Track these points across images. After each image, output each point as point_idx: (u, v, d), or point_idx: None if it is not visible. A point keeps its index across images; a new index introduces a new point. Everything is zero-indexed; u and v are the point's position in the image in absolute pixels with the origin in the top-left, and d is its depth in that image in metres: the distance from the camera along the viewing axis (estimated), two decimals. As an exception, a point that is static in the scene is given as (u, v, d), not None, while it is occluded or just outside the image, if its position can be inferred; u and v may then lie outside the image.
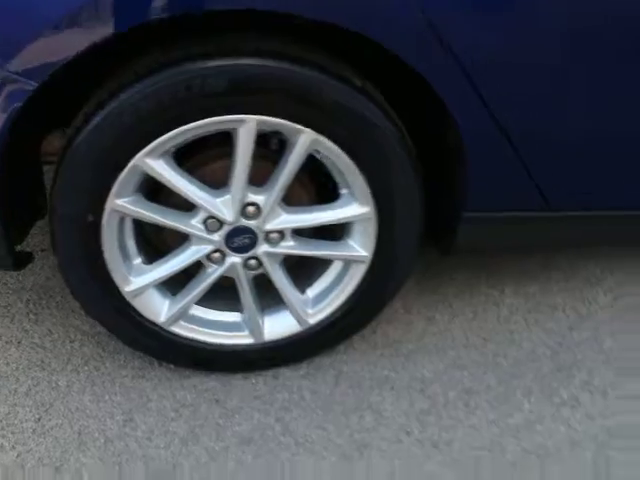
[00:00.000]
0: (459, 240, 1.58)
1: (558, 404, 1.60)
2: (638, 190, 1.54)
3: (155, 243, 1.54)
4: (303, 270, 1.58)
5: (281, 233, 1.48)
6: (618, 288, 1.90)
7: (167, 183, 1.38)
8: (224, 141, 1.40)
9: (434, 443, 1.51)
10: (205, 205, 1.42)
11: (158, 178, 1.37)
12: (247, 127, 1.34)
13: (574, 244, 1.79)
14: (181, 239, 1.48)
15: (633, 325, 1.80)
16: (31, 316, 1.75)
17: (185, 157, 1.44)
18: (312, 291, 1.57)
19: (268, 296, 1.57)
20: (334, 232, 1.54)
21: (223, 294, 1.57)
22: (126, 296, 1.47)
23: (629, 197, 1.55)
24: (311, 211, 1.49)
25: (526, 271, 1.93)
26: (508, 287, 1.89)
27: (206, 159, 1.46)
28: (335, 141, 1.38)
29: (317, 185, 1.53)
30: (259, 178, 1.43)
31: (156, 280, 1.49)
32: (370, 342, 1.71)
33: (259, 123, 1.34)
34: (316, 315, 1.57)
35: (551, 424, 1.55)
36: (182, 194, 1.40)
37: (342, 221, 1.48)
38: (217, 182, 1.43)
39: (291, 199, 1.48)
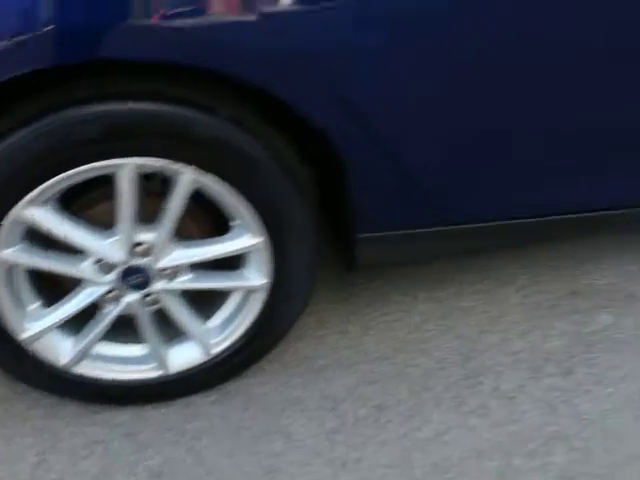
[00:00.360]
0: (358, 258, 1.59)
1: (466, 413, 1.62)
2: (522, 200, 1.56)
3: (51, 286, 1.52)
4: (205, 299, 1.58)
5: (176, 268, 1.48)
6: (530, 286, 1.92)
7: (49, 232, 1.37)
8: (109, 181, 1.38)
9: (343, 462, 1.54)
10: (93, 249, 1.41)
11: (40, 228, 1.36)
12: (127, 171, 1.32)
13: (473, 252, 1.81)
14: (75, 281, 1.48)
15: (541, 323, 1.82)
16: (-60, 358, 1.73)
17: (71, 200, 1.42)
18: (215, 320, 1.57)
19: (172, 327, 1.57)
20: (232, 262, 1.54)
21: (127, 328, 1.56)
22: (22, 343, 1.47)
23: (515, 207, 1.57)
24: (203, 245, 1.48)
25: (440, 274, 1.94)
26: (422, 292, 1.90)
27: (92, 200, 1.44)
28: (218, 177, 1.37)
29: (214, 216, 1.53)
30: (149, 215, 1.42)
31: (53, 324, 1.47)
32: (281, 361, 1.71)
33: (138, 166, 1.33)
34: (221, 344, 1.57)
35: (459, 435, 1.58)
36: (68, 241, 1.38)
37: (236, 253, 1.48)
38: (105, 223, 1.42)
39: (183, 233, 1.47)
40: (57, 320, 1.47)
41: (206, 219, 1.51)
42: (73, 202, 1.42)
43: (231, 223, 1.45)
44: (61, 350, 1.51)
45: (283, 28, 1.24)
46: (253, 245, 1.46)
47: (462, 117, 1.38)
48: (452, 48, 1.30)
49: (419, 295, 1.89)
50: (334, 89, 1.30)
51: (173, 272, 1.47)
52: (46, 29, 1.18)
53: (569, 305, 1.87)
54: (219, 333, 1.57)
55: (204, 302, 1.58)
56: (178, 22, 1.21)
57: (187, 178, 1.35)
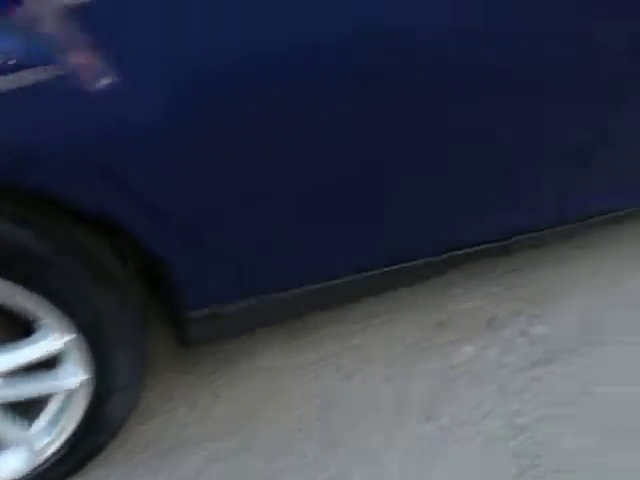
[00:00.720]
0: (191, 335, 1.47)
1: (326, 480, 1.54)
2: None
3: None
4: (27, 403, 1.43)
5: (-19, 379, 1.32)
6: (395, 320, 1.83)
7: None
8: None
9: None
10: None
11: None
12: None
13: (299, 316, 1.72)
14: None
15: (406, 362, 1.74)
16: None
17: None
18: (39, 423, 1.41)
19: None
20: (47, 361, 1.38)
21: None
22: None
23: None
24: (4, 352, 1.31)
25: (287, 331, 1.80)
26: (274, 345, 1.77)
27: None
28: (8, 281, 1.21)
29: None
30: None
31: None
32: (124, 449, 1.56)
33: None
34: (49, 447, 1.41)
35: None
36: None
37: (47, 355, 1.32)
38: None
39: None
40: None
41: (9, 321, 1.35)
42: None
43: (37, 323, 1.30)
44: None
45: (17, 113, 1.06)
46: (63, 346, 1.30)
47: (249, 191, 1.28)
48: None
49: (271, 349, 1.77)
50: (106, 176, 1.14)
51: (-22, 384, 1.32)
52: None
53: (434, 338, 1.80)
54: (46, 435, 1.41)
55: (25, 403, 1.43)
56: None
57: (-32, 287, 1.19)
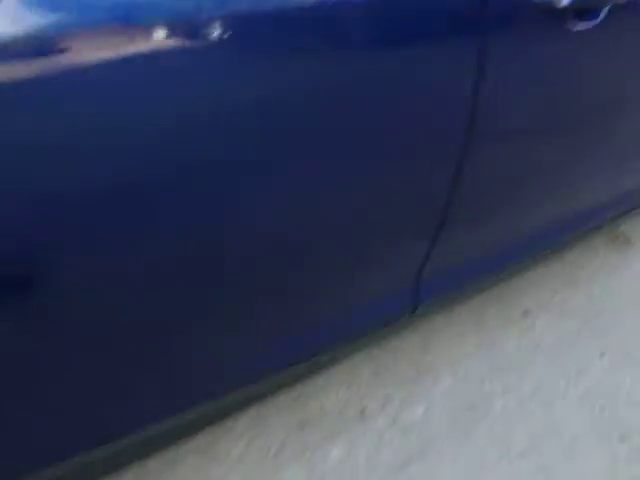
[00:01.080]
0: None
1: None
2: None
3: None
4: None
5: None
6: (252, 427, 1.66)
7: None
8: None
9: None
10: None
11: None
12: None
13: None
14: None
15: (266, 476, 1.59)
16: None
17: None
18: None
19: None
20: None
21: None
22: None
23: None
24: None
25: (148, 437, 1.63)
26: (129, 471, 1.57)
27: None
28: None
29: None
30: None
31: None
32: None
33: None
34: None
35: None
36: None
37: None
38: None
39: None
40: None
41: None
42: None
43: None
44: None
45: None
46: None
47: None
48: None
49: (127, 473, 1.57)
50: None
51: None
52: None
53: (297, 443, 1.64)
54: None
55: None
56: None
57: None
